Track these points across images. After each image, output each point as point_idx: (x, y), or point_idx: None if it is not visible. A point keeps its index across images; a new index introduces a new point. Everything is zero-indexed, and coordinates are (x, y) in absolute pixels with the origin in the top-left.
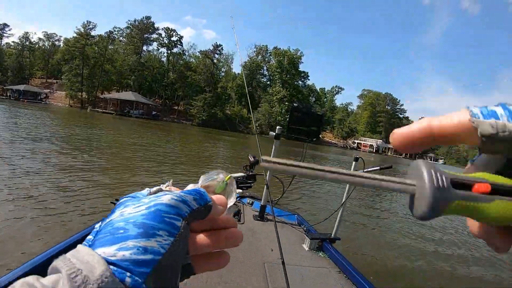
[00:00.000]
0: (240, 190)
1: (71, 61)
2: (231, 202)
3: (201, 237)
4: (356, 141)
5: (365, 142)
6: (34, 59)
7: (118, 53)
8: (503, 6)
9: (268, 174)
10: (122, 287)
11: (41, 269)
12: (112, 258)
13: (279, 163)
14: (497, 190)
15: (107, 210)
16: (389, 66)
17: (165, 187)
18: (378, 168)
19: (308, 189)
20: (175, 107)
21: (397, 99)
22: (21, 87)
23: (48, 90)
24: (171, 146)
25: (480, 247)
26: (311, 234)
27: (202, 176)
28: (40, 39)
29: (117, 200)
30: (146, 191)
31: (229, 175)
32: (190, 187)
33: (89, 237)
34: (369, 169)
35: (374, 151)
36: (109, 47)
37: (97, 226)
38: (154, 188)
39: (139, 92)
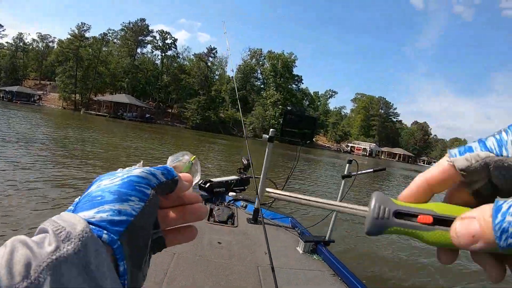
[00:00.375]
0: (234, 193)
1: (65, 62)
2: (196, 180)
3: (170, 212)
4: (350, 144)
5: (358, 146)
6: (27, 60)
7: (112, 55)
8: (496, 11)
9: (261, 177)
10: (100, 242)
11: None
12: (92, 219)
13: (280, 194)
14: (439, 221)
15: None
16: (382, 70)
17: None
18: (371, 170)
19: (302, 192)
20: (169, 110)
21: (390, 102)
22: (14, 88)
23: (42, 92)
24: (165, 150)
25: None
26: (305, 237)
27: (170, 157)
28: (34, 40)
29: None
30: (119, 170)
31: (194, 156)
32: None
33: (70, 207)
34: (363, 172)
35: (367, 154)
36: (103, 49)
37: (76, 199)
38: (126, 168)
39: (132, 95)
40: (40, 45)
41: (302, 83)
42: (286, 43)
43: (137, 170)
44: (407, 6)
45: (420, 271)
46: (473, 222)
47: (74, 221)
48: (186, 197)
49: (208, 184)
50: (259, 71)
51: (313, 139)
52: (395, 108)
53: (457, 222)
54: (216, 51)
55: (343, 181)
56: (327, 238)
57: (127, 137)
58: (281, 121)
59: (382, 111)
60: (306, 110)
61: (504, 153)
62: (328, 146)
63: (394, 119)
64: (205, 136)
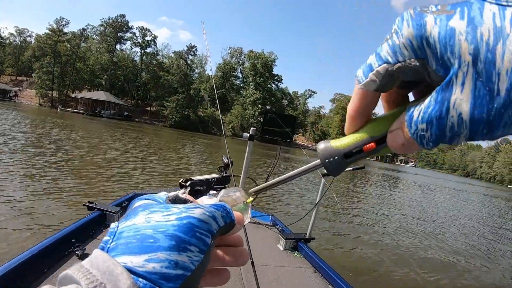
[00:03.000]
0: (214, 192)
1: (42, 58)
2: (246, 221)
3: (217, 252)
4: None
5: None
6: (4, 55)
7: (90, 51)
8: None
9: (241, 175)
10: None
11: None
12: (140, 270)
13: (261, 188)
14: (379, 140)
15: (80, 213)
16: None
17: (182, 194)
18: (351, 169)
19: (283, 190)
20: (147, 108)
21: None
22: None
23: (18, 88)
24: (144, 149)
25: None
26: (286, 234)
27: (222, 190)
28: (11, 34)
29: (90, 202)
30: (163, 195)
31: (251, 199)
32: (205, 198)
33: (106, 238)
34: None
35: None
36: (82, 44)
37: (113, 225)
38: (172, 193)
39: (111, 92)
40: (17, 39)
41: (282, 83)
42: (267, 42)
43: (198, 210)
44: (387, 9)
45: (400, 266)
46: (398, 135)
47: (115, 273)
48: (231, 238)
49: (188, 182)
50: (239, 70)
51: (293, 138)
52: (374, 112)
53: (388, 136)
54: (196, 49)
55: (322, 180)
56: (307, 235)
57: (105, 134)
58: (260, 120)
59: None
60: (285, 110)
61: (400, 58)
62: (307, 146)
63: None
64: (184, 134)
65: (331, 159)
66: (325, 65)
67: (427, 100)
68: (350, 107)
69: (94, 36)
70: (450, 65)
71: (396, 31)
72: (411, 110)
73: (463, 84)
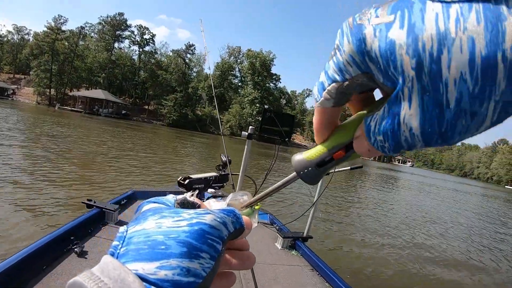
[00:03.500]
0: (213, 190)
1: (40, 56)
2: (254, 225)
3: (225, 257)
4: None
5: None
6: (2, 52)
7: (88, 50)
8: None
9: (240, 174)
10: None
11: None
12: (152, 277)
13: (255, 200)
14: (347, 146)
15: (76, 211)
16: None
17: (190, 196)
18: (349, 168)
19: (281, 190)
20: (145, 107)
21: None
22: None
23: (16, 86)
24: (142, 148)
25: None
26: (284, 233)
27: (231, 194)
28: (9, 32)
29: (89, 200)
30: (171, 198)
31: (260, 205)
32: (213, 201)
33: (115, 243)
34: (341, 169)
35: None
36: (80, 43)
37: (121, 229)
38: (180, 196)
39: (109, 91)
40: (15, 37)
41: (280, 82)
42: (266, 41)
43: (209, 216)
44: None
45: (398, 266)
46: (362, 142)
47: (127, 280)
48: (237, 242)
49: (187, 180)
50: (237, 69)
51: (291, 138)
52: None
53: (354, 143)
54: (194, 48)
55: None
56: (305, 234)
57: (104, 133)
58: (259, 119)
59: None
60: (283, 109)
61: (347, 76)
62: (305, 145)
63: None
64: (182, 133)
65: (305, 170)
66: (323, 65)
67: (381, 111)
68: (314, 122)
69: (92, 34)
70: (395, 80)
71: (338, 47)
72: (368, 120)
73: (410, 99)
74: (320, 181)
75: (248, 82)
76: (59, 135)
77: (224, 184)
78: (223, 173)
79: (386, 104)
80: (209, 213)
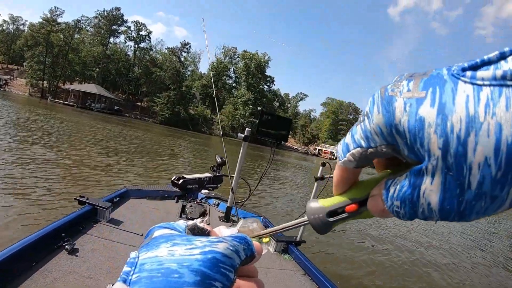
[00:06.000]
0: (207, 191)
1: (35, 47)
2: (264, 251)
3: (235, 285)
4: (318, 147)
5: (326, 149)
6: None
7: (83, 43)
8: (470, 29)
9: (235, 176)
10: None
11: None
12: None
13: (265, 234)
14: (361, 202)
15: (71, 207)
16: (354, 75)
17: (200, 223)
18: None
19: (275, 193)
20: (138, 103)
21: (359, 109)
22: None
23: (8, 77)
24: (135, 145)
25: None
26: (277, 237)
27: (241, 220)
28: (4, 21)
29: (81, 197)
30: (182, 223)
31: (268, 239)
32: (223, 228)
33: (127, 269)
34: None
35: (334, 158)
36: (75, 36)
37: (133, 255)
38: (190, 222)
39: (102, 85)
40: (10, 27)
41: (274, 84)
42: (262, 43)
43: (222, 244)
44: (384, 17)
45: (389, 270)
46: (377, 202)
47: None
48: (246, 268)
49: (181, 180)
50: (232, 70)
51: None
52: None
53: (369, 200)
54: (189, 46)
55: (315, 183)
56: (298, 238)
57: (96, 128)
58: (251, 120)
59: (351, 117)
60: (276, 111)
61: (372, 144)
62: (296, 148)
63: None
64: (174, 131)
65: (316, 216)
66: (318, 69)
67: (402, 178)
68: (335, 177)
69: (88, 28)
70: (420, 156)
71: (368, 115)
72: (388, 184)
73: (433, 176)
74: (315, 186)
75: (242, 83)
76: (50, 129)
77: (218, 185)
78: (217, 174)
79: (409, 173)
80: (221, 241)
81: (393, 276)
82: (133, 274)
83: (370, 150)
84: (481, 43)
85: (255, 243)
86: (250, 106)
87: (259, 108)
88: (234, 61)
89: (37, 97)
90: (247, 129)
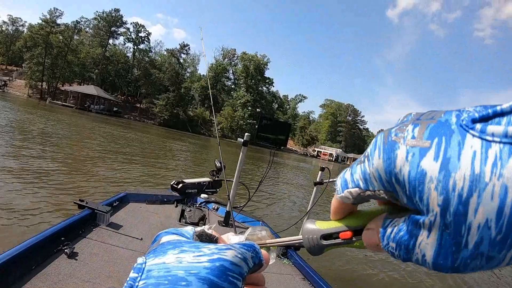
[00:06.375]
0: (206, 195)
1: (34, 48)
2: (271, 261)
3: None
4: (316, 149)
5: (325, 151)
6: None
7: (83, 45)
8: (469, 31)
9: (234, 181)
10: None
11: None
12: None
13: (267, 243)
14: (356, 231)
15: (70, 211)
16: (353, 77)
17: (207, 229)
18: None
19: (274, 197)
20: (137, 105)
21: (358, 110)
22: None
23: (8, 78)
24: (134, 148)
25: None
26: None
27: (250, 228)
28: (4, 22)
29: (81, 200)
30: (190, 229)
31: (275, 246)
32: (231, 235)
33: (133, 275)
34: (335, 180)
35: (333, 159)
36: (75, 37)
37: (140, 260)
38: (198, 229)
39: (101, 87)
40: (9, 28)
41: (273, 86)
42: (262, 45)
43: (230, 252)
44: (383, 19)
45: (389, 274)
46: (373, 237)
47: None
48: (253, 276)
49: (180, 185)
50: (230, 71)
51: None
52: (362, 116)
53: (364, 232)
54: (188, 48)
55: (315, 188)
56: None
57: (98, 132)
58: (250, 122)
59: (350, 118)
60: (275, 113)
61: (370, 188)
62: (295, 150)
63: (361, 127)
64: (173, 134)
65: (310, 236)
66: (317, 71)
67: (401, 221)
68: (332, 205)
69: (87, 29)
70: (418, 208)
71: (369, 157)
72: (386, 223)
73: (429, 230)
74: (314, 190)
75: (241, 85)
76: (49, 131)
77: (218, 189)
78: (216, 178)
79: (407, 219)
80: (230, 249)
81: (394, 280)
82: (140, 280)
83: (368, 192)
84: (480, 45)
85: (263, 251)
86: (249, 108)
87: (258, 110)
88: (233, 62)
89: (36, 98)
90: (246, 134)
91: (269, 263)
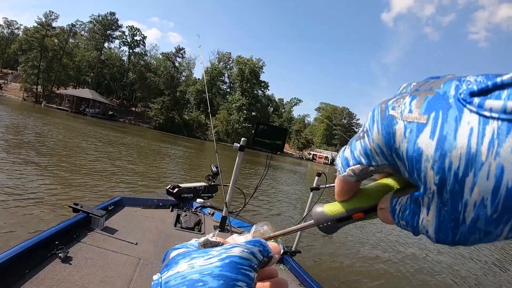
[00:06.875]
0: (202, 200)
1: (29, 52)
2: (281, 250)
3: (258, 285)
4: (312, 152)
5: (320, 154)
6: None
7: (78, 48)
8: (463, 34)
9: (230, 186)
10: None
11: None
12: None
13: (274, 236)
14: (368, 210)
15: (65, 215)
16: (348, 80)
17: (211, 237)
18: None
19: (270, 202)
20: (132, 109)
21: (353, 113)
22: None
23: (2, 81)
24: (129, 152)
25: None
26: None
27: (254, 225)
28: None
29: (75, 204)
30: (194, 241)
31: (279, 240)
32: (236, 236)
33: None
34: (332, 185)
35: (329, 163)
36: (70, 40)
37: (155, 277)
38: (202, 239)
39: (96, 91)
40: (5, 31)
41: (268, 90)
42: (257, 48)
43: (236, 249)
44: (378, 22)
45: (388, 280)
46: (387, 215)
47: None
48: (267, 270)
49: (176, 189)
50: (226, 75)
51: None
52: (358, 119)
53: (379, 212)
54: (184, 52)
55: (311, 193)
56: (293, 248)
57: (94, 136)
58: (245, 126)
59: (345, 121)
60: (271, 117)
61: (373, 163)
62: (291, 153)
63: (357, 130)
64: (168, 137)
65: (325, 224)
66: (313, 74)
67: (405, 199)
68: (336, 187)
69: (82, 32)
70: (418, 184)
71: (368, 132)
72: (394, 202)
73: (428, 208)
74: (311, 195)
75: (237, 89)
76: (45, 135)
77: (213, 194)
78: (212, 183)
79: (410, 197)
80: (236, 246)
81: (393, 281)
82: None
83: (371, 168)
84: (474, 48)
85: (271, 243)
86: (245, 112)
87: (253, 113)
88: (228, 66)
89: (31, 101)
90: (242, 139)
91: (280, 252)
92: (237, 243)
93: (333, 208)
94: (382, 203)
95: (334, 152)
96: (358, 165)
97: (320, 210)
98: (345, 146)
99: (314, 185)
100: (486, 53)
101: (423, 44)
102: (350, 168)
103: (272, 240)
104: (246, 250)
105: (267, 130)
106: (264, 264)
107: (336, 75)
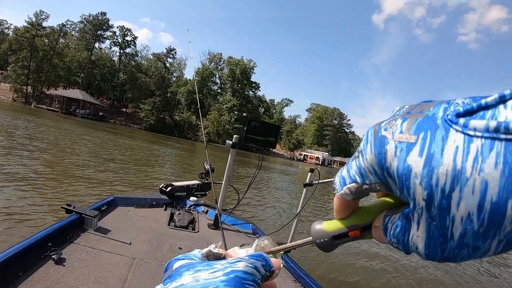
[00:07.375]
0: (195, 198)
1: (19, 52)
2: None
3: None
4: (303, 153)
5: (311, 154)
6: None
7: (68, 48)
8: (453, 36)
9: (223, 183)
10: None
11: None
12: None
13: (275, 250)
14: (364, 228)
15: (58, 216)
16: (339, 81)
17: (214, 249)
18: (333, 179)
19: (264, 199)
20: (123, 109)
21: (344, 114)
22: None
23: None
24: (120, 152)
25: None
26: None
27: (256, 240)
28: None
29: (68, 205)
30: (197, 252)
31: (281, 253)
32: (237, 249)
33: None
34: (325, 181)
35: (320, 163)
36: (60, 40)
37: (157, 287)
38: (205, 250)
39: (87, 91)
40: None
41: (259, 90)
42: (248, 49)
43: (241, 263)
44: (368, 24)
45: (382, 276)
46: (380, 233)
47: None
48: (266, 284)
49: (169, 188)
50: (217, 76)
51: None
52: (348, 120)
53: (373, 230)
54: (175, 52)
55: (304, 189)
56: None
57: (85, 137)
58: (237, 127)
59: (336, 122)
60: (262, 117)
61: (367, 181)
62: (282, 154)
63: (347, 130)
64: (159, 138)
65: (322, 240)
66: (303, 75)
67: (397, 217)
68: (335, 205)
69: (73, 32)
70: (408, 201)
71: (362, 152)
72: (386, 220)
73: (418, 223)
74: (304, 193)
75: (228, 89)
76: (35, 136)
77: (207, 192)
78: (205, 181)
79: (401, 215)
80: (240, 261)
81: (387, 283)
82: None
83: (365, 186)
84: (464, 49)
85: (273, 259)
86: (236, 112)
87: (244, 114)
88: (219, 67)
89: (21, 102)
90: (235, 136)
91: (281, 268)
92: (241, 257)
93: (331, 225)
94: (377, 221)
95: (325, 153)
96: (354, 184)
97: (319, 227)
98: (342, 168)
99: (307, 181)
100: (477, 54)
101: (414, 45)
102: (347, 186)
103: (272, 255)
104: (250, 265)
105: (259, 127)
106: (266, 278)
107: (328, 76)
